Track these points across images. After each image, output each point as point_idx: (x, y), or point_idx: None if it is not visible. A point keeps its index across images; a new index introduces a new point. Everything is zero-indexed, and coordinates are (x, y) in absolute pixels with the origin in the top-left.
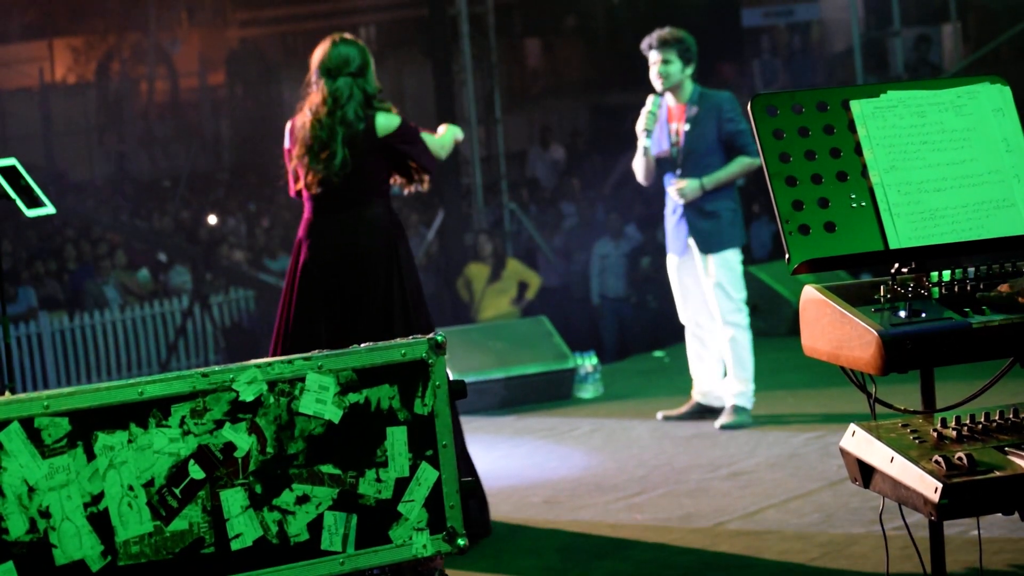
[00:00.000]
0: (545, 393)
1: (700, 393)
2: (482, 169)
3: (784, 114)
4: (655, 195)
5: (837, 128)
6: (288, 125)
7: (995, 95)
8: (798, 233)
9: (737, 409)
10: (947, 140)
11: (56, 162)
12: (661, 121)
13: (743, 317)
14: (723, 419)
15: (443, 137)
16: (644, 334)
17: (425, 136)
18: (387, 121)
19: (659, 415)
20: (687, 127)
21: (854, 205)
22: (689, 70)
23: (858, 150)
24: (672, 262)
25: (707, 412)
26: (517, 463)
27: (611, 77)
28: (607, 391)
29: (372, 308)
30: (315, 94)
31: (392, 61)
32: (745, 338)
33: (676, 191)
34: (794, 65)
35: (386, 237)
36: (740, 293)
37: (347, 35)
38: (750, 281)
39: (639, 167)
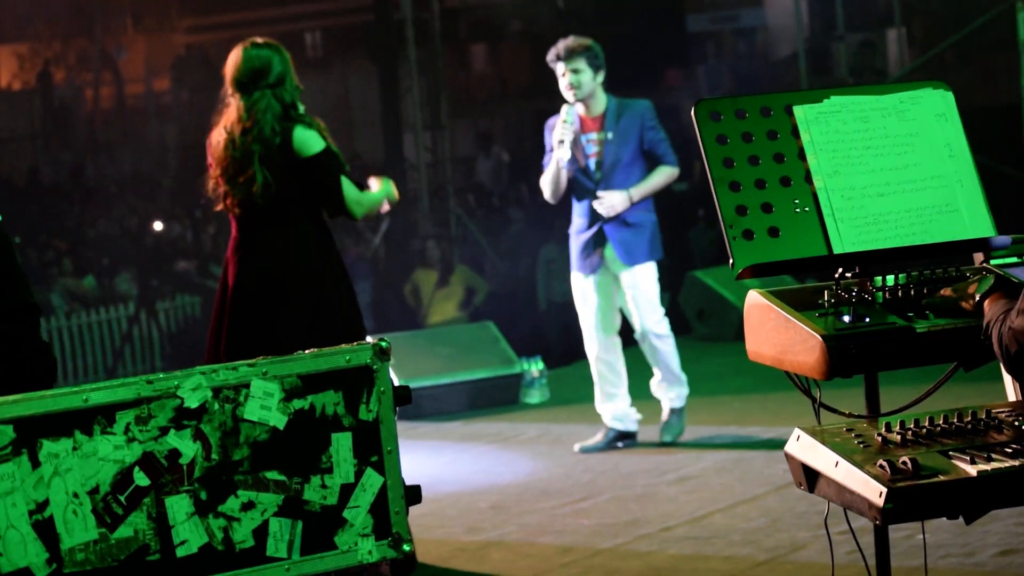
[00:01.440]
0: (492, 398)
1: (614, 418)
2: (428, 174)
3: (728, 119)
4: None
5: (781, 133)
6: (208, 140)
7: (938, 100)
8: (742, 238)
9: (675, 412)
10: (890, 145)
11: (1, 168)
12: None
13: (667, 326)
14: (665, 429)
15: (368, 195)
16: None
17: (345, 183)
18: (304, 138)
19: (576, 447)
20: (610, 136)
21: (798, 210)
22: (600, 78)
23: (802, 155)
24: (579, 281)
25: (625, 437)
26: (464, 468)
27: (557, 83)
28: (553, 396)
29: (304, 324)
30: (230, 109)
31: (338, 67)
32: (672, 345)
33: (603, 205)
34: (739, 70)
35: (315, 253)
36: (662, 305)
37: (259, 39)
38: (696, 286)
39: (548, 183)
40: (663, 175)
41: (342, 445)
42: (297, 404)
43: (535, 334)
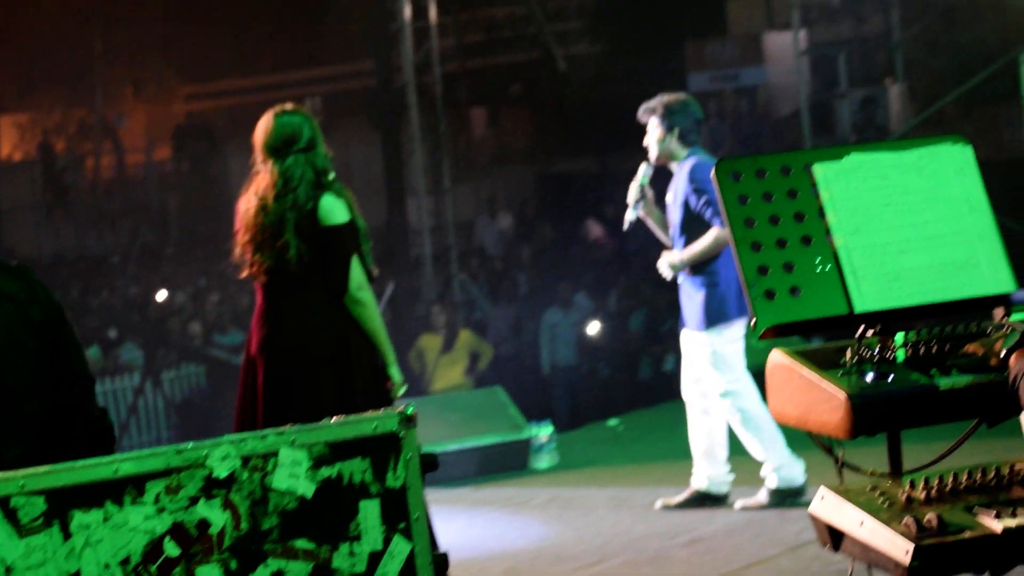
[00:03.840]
0: (501, 464)
1: (697, 477)
2: (431, 239)
3: (748, 179)
4: (603, 263)
5: (801, 192)
6: (236, 206)
7: (956, 155)
8: (763, 298)
9: (769, 492)
10: (910, 202)
11: (3, 240)
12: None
13: (732, 397)
14: (750, 500)
15: (367, 295)
16: (596, 403)
17: (354, 264)
18: (330, 207)
19: (658, 504)
20: (668, 197)
21: (819, 269)
22: (672, 137)
23: (822, 213)
24: (681, 335)
25: (707, 499)
26: (476, 534)
27: (558, 145)
28: (562, 460)
29: (334, 391)
30: (263, 175)
31: (339, 132)
32: (737, 417)
33: (661, 266)
34: (741, 129)
35: (342, 319)
36: (724, 373)
37: (289, 105)
38: None
39: (661, 237)
40: (711, 238)
41: (370, 512)
42: (325, 472)
43: (540, 398)
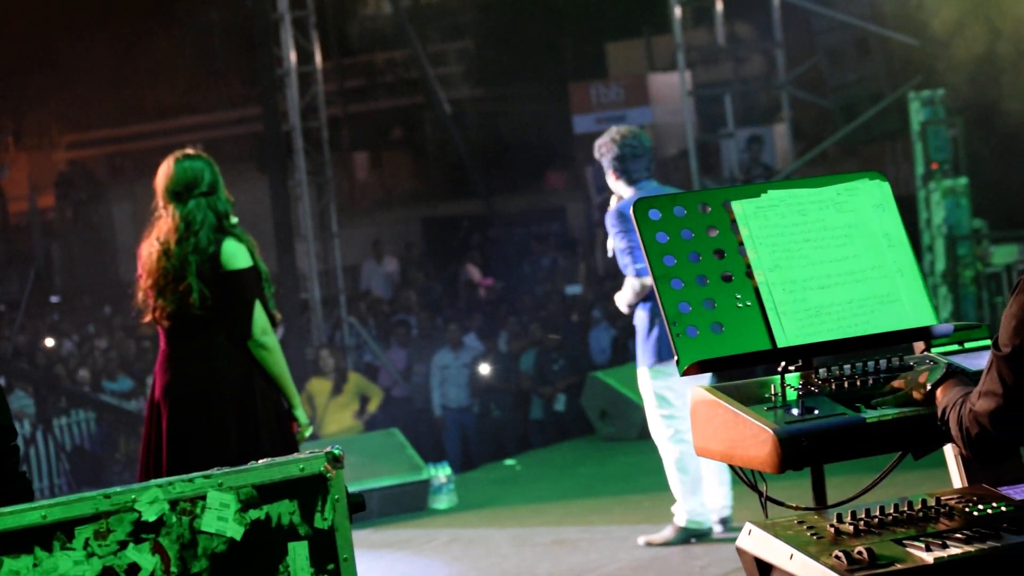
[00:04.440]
0: (400, 505)
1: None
2: (320, 283)
3: (667, 217)
4: (492, 304)
5: (720, 229)
6: (138, 251)
7: (875, 191)
8: (686, 335)
9: (676, 530)
10: (829, 237)
11: None
12: None
13: (665, 433)
14: (654, 536)
15: (281, 363)
16: (490, 443)
17: (257, 309)
18: (233, 252)
19: (640, 540)
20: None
21: (740, 305)
22: (613, 178)
23: (742, 250)
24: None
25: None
26: None
27: (442, 188)
28: (461, 501)
29: (234, 435)
30: (164, 220)
31: (224, 178)
32: (668, 454)
33: (616, 300)
34: None
35: (245, 362)
36: (663, 409)
37: (190, 150)
38: (597, 387)
39: None
40: (627, 288)
41: (299, 554)
42: (253, 514)
43: (432, 440)
